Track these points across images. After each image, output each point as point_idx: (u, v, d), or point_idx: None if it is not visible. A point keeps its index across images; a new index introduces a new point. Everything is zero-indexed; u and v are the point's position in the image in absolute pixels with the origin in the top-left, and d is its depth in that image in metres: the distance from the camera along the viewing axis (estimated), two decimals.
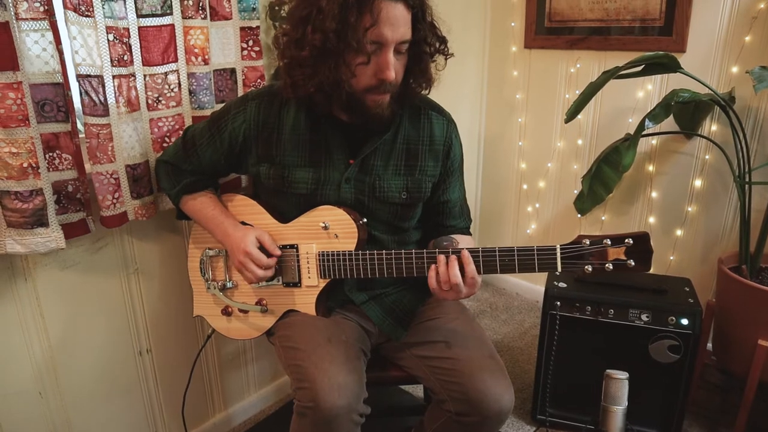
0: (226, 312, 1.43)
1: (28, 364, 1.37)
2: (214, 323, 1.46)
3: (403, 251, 1.21)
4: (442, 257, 1.15)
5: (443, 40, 1.24)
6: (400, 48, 1.16)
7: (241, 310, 1.41)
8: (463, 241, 1.39)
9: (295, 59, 1.17)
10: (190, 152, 1.36)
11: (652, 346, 1.67)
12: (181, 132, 1.47)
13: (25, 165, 1.17)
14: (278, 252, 1.31)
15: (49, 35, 1.16)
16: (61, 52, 1.19)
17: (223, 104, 1.42)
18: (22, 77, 1.13)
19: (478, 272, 1.15)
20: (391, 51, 1.13)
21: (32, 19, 1.13)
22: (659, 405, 1.73)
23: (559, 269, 1.11)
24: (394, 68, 1.14)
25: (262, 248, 1.29)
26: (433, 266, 1.16)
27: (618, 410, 1.41)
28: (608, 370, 1.44)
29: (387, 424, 1.83)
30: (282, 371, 2.04)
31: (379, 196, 1.30)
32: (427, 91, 1.29)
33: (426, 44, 1.20)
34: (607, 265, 1.09)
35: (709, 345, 1.96)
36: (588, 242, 1.10)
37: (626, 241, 1.08)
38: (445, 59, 1.27)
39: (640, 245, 1.08)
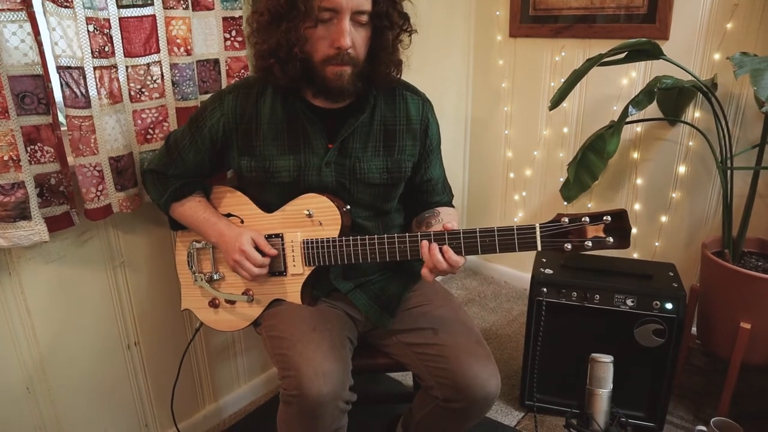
0: (213, 304, 1.43)
1: (15, 358, 1.36)
2: (201, 316, 1.46)
3: (386, 235, 1.22)
4: (424, 242, 1.17)
5: (405, 16, 1.27)
6: (359, 19, 1.18)
7: (228, 301, 1.41)
8: (445, 213, 1.42)
9: (257, 26, 1.23)
10: (174, 156, 1.36)
11: (637, 331, 1.70)
12: (164, 123, 1.46)
13: (5, 158, 1.16)
14: (274, 252, 1.31)
15: (28, 26, 1.14)
16: (40, 44, 1.18)
17: (201, 104, 1.42)
18: (0, 69, 1.11)
19: (459, 254, 1.16)
20: (346, 19, 1.15)
21: (9, 9, 1.12)
22: (645, 388, 1.76)
23: (539, 248, 1.12)
24: (351, 37, 1.17)
25: (256, 248, 1.30)
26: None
27: (603, 393, 1.43)
28: (593, 354, 1.45)
29: (377, 412, 1.85)
30: (271, 363, 2.04)
31: (360, 178, 1.31)
32: (396, 73, 1.31)
33: (386, 18, 1.22)
34: (586, 242, 1.11)
35: (694, 329, 1.99)
36: (567, 220, 1.11)
37: (604, 218, 1.10)
38: (409, 36, 1.30)
39: (618, 222, 1.10)
